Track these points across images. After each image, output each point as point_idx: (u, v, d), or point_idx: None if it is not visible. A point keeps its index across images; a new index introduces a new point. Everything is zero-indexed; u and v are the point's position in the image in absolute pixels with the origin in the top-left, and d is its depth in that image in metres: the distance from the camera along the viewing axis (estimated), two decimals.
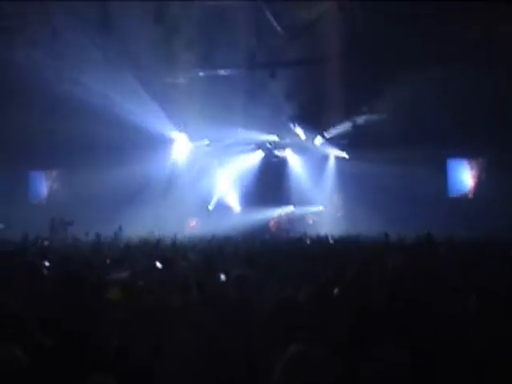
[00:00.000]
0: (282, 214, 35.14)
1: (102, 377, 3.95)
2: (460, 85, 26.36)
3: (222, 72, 29.18)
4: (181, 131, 34.06)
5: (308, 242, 21.64)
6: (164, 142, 34.21)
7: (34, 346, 4.90)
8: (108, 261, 12.01)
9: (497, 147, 29.71)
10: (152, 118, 30.54)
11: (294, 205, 34.87)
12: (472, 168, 34.09)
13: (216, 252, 14.68)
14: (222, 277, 8.70)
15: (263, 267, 9.85)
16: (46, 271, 9.59)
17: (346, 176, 32.55)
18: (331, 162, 35.09)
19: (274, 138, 34.65)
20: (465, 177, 34.12)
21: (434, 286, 7.76)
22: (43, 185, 39.52)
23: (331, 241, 21.12)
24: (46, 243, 20.08)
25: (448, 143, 29.87)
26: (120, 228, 23.73)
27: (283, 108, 32.08)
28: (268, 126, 33.30)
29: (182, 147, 35.61)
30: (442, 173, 33.40)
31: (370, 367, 4.06)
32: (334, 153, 34.78)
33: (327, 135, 33.79)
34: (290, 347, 3.96)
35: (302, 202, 34.62)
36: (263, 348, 4.95)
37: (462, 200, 32.85)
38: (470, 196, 33.58)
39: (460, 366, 4.62)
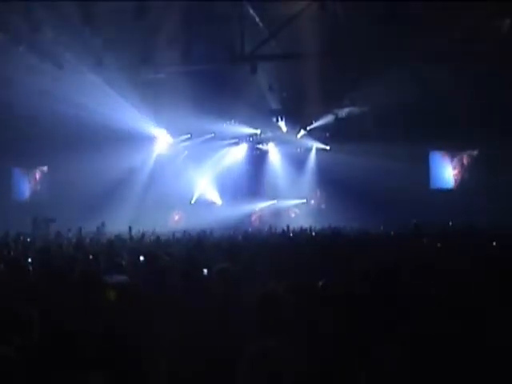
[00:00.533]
0: (265, 207, 35.17)
1: (90, 375, 3.96)
2: (443, 80, 26.44)
3: (203, 67, 29.08)
4: (162, 127, 33.93)
5: (291, 235, 21.72)
6: (146, 138, 34.15)
7: (23, 343, 4.91)
8: (91, 256, 11.98)
9: (479, 142, 29.95)
10: (133, 114, 30.44)
11: (277, 198, 34.91)
12: (454, 161, 34.29)
13: (199, 246, 14.69)
14: (205, 271, 8.70)
15: (245, 261, 9.85)
16: (29, 267, 9.62)
17: (329, 169, 32.55)
18: (314, 156, 35.14)
19: (256, 131, 34.61)
20: (446, 170, 34.31)
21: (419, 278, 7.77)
22: (26, 182, 39.43)
23: (313, 233, 21.19)
24: (29, 240, 20.04)
25: (430, 136, 30.01)
26: (103, 224, 23.71)
27: (266, 102, 32.10)
28: (250, 120, 33.27)
29: (163, 142, 35.56)
30: (424, 165, 33.56)
31: (361, 362, 4.07)
32: (317, 146, 34.84)
33: (310, 129, 33.77)
34: (250, 346, 3.96)
35: (284, 195, 34.68)
36: (245, 343, 4.97)
37: (444, 192, 33.00)
38: (452, 189, 33.77)
39: (449, 358, 4.63)
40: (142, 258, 10.89)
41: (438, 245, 14.86)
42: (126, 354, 5.14)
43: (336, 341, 5.24)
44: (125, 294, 6.51)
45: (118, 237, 19.62)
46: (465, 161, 34.00)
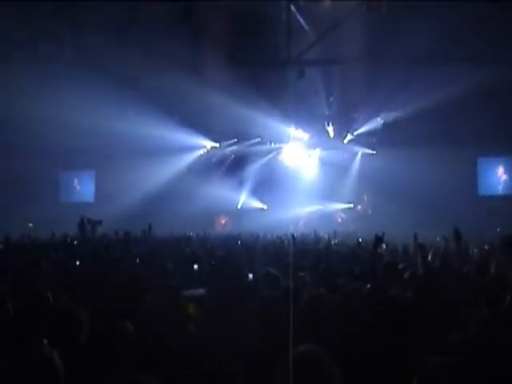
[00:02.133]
0: (311, 212, 35.07)
1: (143, 378, 3.95)
2: (492, 83, 26.15)
3: (250, 70, 29.14)
4: (210, 131, 34.10)
5: (336, 241, 21.62)
6: (193, 143, 34.50)
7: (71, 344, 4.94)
8: (138, 260, 12.05)
9: None
10: (180, 120, 30.77)
11: (323, 202, 34.78)
12: (502, 166, 33.97)
13: (244, 251, 14.70)
14: (250, 276, 8.71)
15: (292, 266, 9.81)
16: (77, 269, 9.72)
17: (376, 174, 32.34)
18: (361, 160, 34.99)
19: (304, 135, 34.55)
20: (495, 176, 34.00)
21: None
22: (73, 185, 39.87)
23: (360, 240, 21.03)
24: (75, 242, 20.19)
25: (478, 141, 29.72)
26: (149, 227, 23.84)
27: (313, 107, 32.15)
28: (297, 124, 33.30)
29: (210, 147, 35.79)
30: (472, 171, 33.29)
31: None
32: (363, 151, 34.71)
33: (357, 133, 33.68)
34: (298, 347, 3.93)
35: (330, 199, 34.56)
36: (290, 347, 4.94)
37: (493, 198, 32.66)
38: (501, 194, 33.42)
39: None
40: (195, 265, 10.92)
41: (475, 250, 14.80)
42: (176, 357, 5.15)
43: (382, 345, 5.19)
44: (203, 308, 6.53)
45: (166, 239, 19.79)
46: None
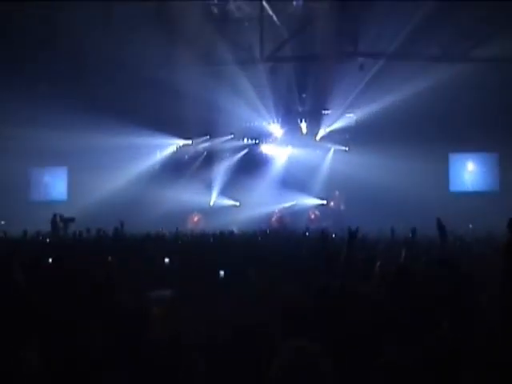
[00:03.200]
0: (284, 208, 35.04)
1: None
2: (464, 81, 26.31)
3: (224, 67, 29.08)
4: (181, 127, 33.96)
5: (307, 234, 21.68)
6: (165, 141, 34.48)
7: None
8: (110, 258, 11.95)
9: (500, 143, 29.77)
10: (152, 117, 30.73)
11: (296, 199, 34.73)
12: (471, 162, 34.15)
13: (217, 248, 14.67)
14: (221, 273, 8.68)
15: (265, 264, 9.79)
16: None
17: (348, 170, 32.32)
18: (333, 157, 34.94)
19: (277, 132, 34.49)
20: (465, 171, 34.16)
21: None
22: (44, 182, 39.50)
23: (333, 235, 21.06)
24: (48, 240, 20.04)
25: (450, 137, 29.85)
26: (122, 224, 23.72)
27: (286, 103, 32.20)
28: (270, 121, 33.30)
29: (182, 144, 35.70)
30: (444, 167, 33.40)
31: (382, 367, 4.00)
32: (336, 147, 34.69)
33: (329, 130, 33.71)
34: (286, 342, 3.91)
35: (303, 195, 34.51)
36: (265, 345, 4.91)
37: (464, 194, 32.80)
38: (471, 190, 33.56)
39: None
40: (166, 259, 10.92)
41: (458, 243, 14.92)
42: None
43: (352, 339, 5.19)
44: (170, 309, 6.48)
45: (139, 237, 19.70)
46: (485, 163, 33.88)
